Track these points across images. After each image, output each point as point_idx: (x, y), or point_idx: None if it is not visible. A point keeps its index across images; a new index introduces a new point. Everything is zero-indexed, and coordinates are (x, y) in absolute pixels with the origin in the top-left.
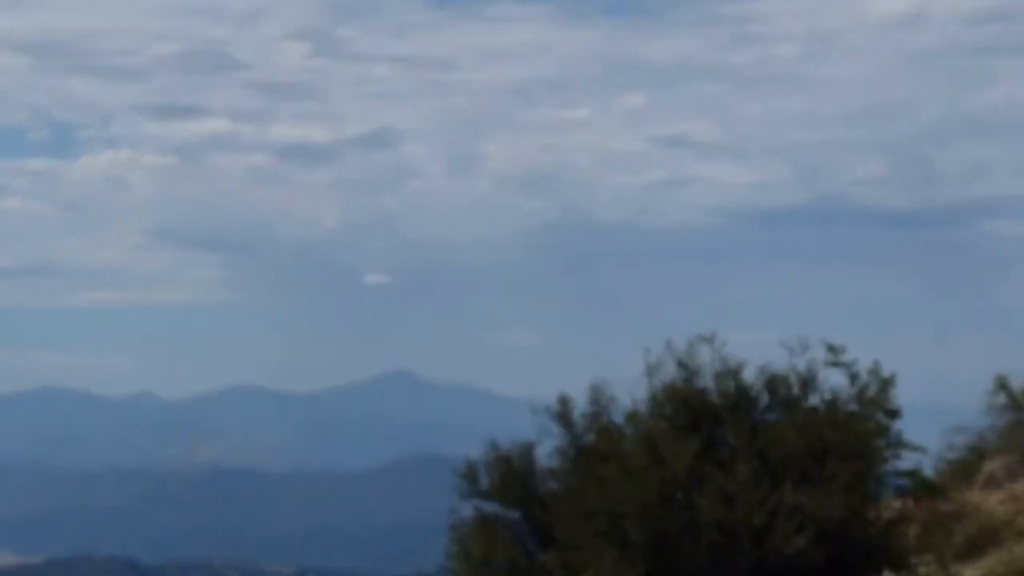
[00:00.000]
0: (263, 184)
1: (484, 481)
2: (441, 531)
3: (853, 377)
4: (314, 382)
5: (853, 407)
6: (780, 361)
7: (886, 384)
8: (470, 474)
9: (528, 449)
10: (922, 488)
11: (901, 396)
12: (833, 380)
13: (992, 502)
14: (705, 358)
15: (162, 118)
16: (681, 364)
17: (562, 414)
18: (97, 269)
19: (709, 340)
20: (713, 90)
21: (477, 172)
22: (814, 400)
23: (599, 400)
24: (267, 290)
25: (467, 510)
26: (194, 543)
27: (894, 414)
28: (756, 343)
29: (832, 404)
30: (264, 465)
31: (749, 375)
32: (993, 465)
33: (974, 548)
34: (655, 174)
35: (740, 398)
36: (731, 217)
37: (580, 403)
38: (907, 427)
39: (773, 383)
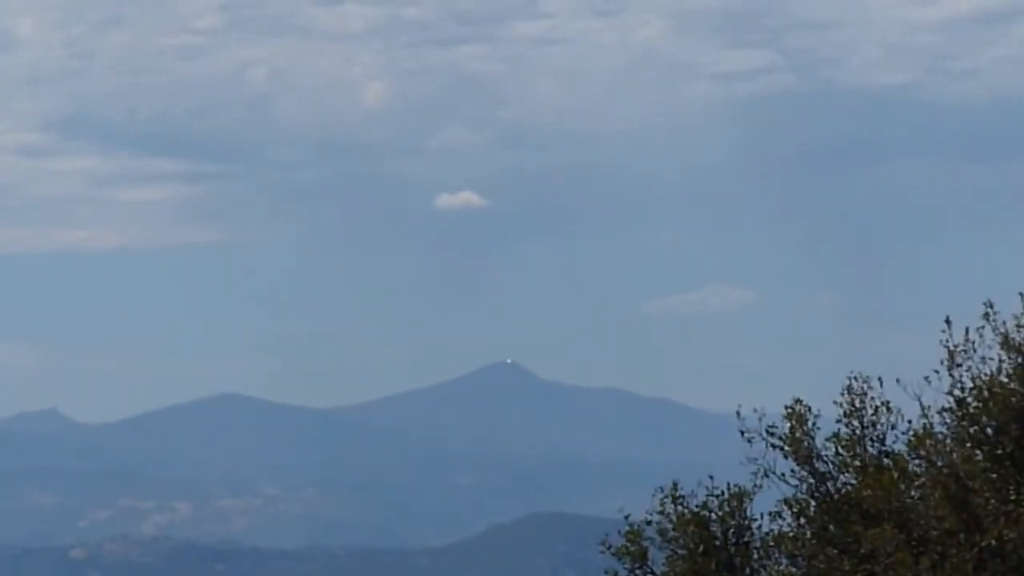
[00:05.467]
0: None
1: (659, 561)
2: None
3: None
4: (348, 389)
5: None
6: None
7: None
8: (634, 547)
9: (737, 502)
10: None
11: None
12: None
13: None
14: None
15: None
16: (1010, 343)
17: (794, 439)
18: None
19: None
20: None
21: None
22: None
23: (861, 409)
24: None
25: None
26: None
27: None
28: None
29: None
30: (268, 537)
31: None
32: None
33: None
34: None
35: None
36: None
37: (826, 415)
38: None
39: None
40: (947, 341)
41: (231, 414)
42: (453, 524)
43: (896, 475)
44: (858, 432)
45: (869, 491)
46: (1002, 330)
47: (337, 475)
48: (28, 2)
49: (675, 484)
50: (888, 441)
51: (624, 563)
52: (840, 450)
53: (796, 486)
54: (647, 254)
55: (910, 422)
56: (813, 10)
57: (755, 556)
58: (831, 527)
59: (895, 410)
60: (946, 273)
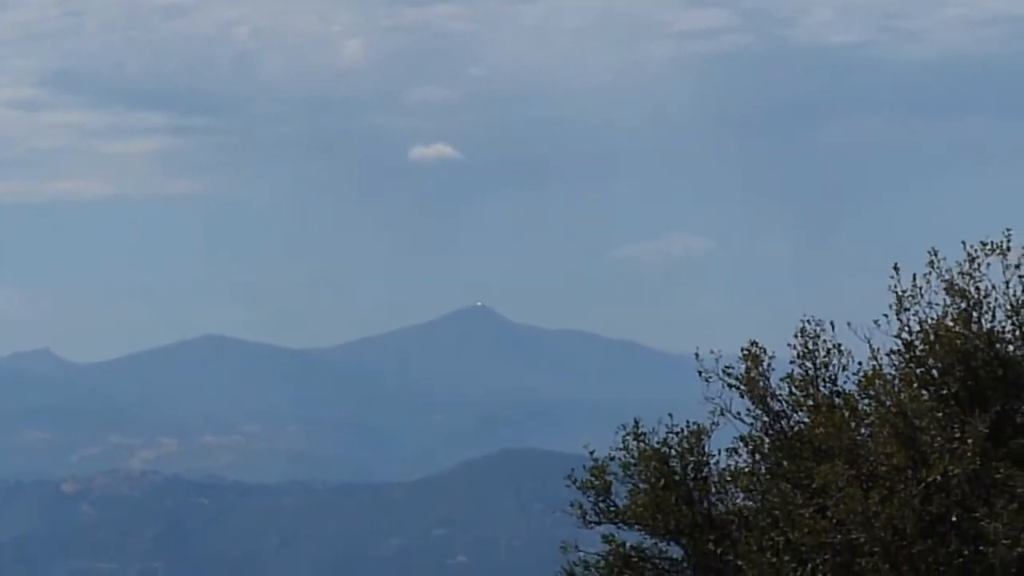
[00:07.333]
0: None
1: (622, 494)
2: None
3: None
4: (328, 331)
5: None
6: None
7: None
8: (598, 482)
9: (696, 439)
10: None
11: None
12: None
13: None
14: (995, 277)
15: None
16: (955, 289)
17: (750, 379)
18: None
19: (1001, 248)
20: None
21: None
22: None
23: (813, 351)
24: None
25: (592, 543)
26: None
27: None
28: None
29: None
30: (250, 472)
31: None
32: None
33: None
34: None
35: None
36: None
37: (781, 357)
38: None
39: None
40: (895, 287)
41: (215, 355)
42: (426, 460)
43: (847, 414)
44: (811, 373)
45: (821, 429)
46: (947, 277)
47: (316, 413)
48: None
49: (637, 422)
50: (839, 381)
51: (589, 496)
52: (793, 390)
53: (751, 424)
54: (613, 204)
55: (860, 364)
56: None
57: (712, 490)
58: (785, 463)
59: (846, 352)
60: (895, 223)
